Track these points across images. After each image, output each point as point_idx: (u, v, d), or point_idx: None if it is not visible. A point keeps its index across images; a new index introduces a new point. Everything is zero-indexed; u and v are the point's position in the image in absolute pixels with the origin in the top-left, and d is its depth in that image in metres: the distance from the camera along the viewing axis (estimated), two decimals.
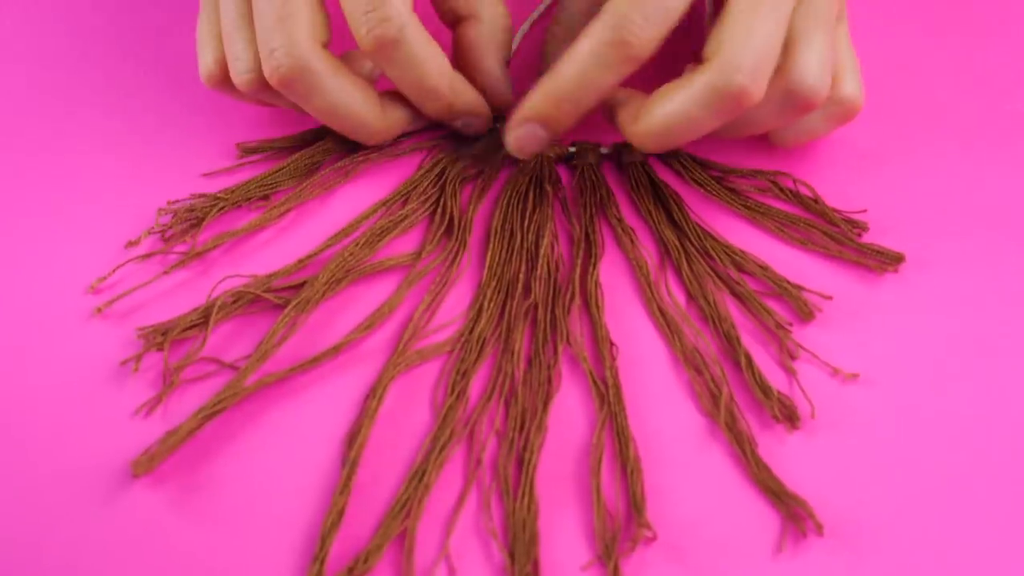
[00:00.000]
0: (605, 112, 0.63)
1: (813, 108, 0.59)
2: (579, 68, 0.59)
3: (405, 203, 0.62)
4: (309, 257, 0.59)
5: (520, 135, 0.62)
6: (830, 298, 0.58)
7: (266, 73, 0.60)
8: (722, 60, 0.57)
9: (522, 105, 0.62)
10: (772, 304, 0.59)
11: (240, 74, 0.61)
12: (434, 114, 0.63)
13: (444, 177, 0.63)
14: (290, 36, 0.59)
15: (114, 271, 0.59)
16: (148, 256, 0.60)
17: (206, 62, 0.62)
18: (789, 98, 0.59)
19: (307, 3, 0.59)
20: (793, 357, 0.57)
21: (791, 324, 0.58)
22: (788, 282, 0.59)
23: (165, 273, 0.59)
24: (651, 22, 0.57)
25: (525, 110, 0.61)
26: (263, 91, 0.62)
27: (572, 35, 0.63)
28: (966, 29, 0.69)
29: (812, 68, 0.58)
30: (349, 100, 0.61)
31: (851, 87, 0.61)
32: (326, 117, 0.62)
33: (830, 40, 0.59)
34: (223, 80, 0.63)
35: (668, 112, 0.59)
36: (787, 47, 0.59)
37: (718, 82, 0.57)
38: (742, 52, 0.57)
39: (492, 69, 0.64)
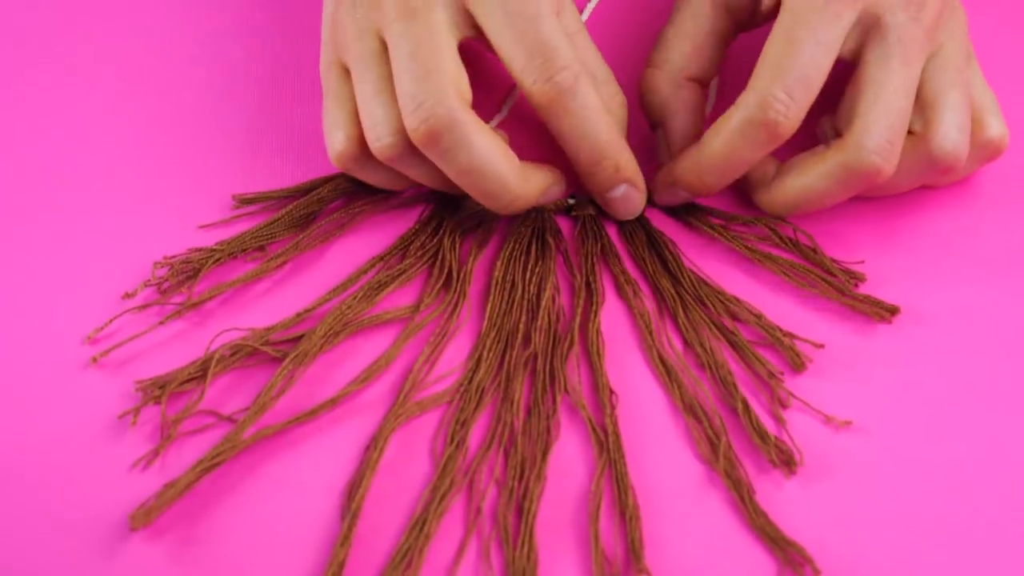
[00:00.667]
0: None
1: (955, 171, 0.61)
2: (727, 145, 0.60)
3: (403, 256, 0.62)
4: (307, 311, 0.59)
5: (665, 196, 0.64)
6: (821, 346, 0.59)
7: (411, 127, 0.58)
8: (856, 140, 0.59)
9: (670, 168, 0.63)
10: (766, 353, 0.59)
11: (381, 139, 0.59)
12: (601, 179, 0.62)
13: (443, 230, 0.63)
14: (438, 88, 0.58)
15: (110, 321, 0.59)
16: (144, 307, 0.60)
17: (338, 139, 0.61)
18: (931, 165, 0.60)
19: (452, 59, 0.59)
20: (784, 406, 0.57)
21: (783, 373, 0.58)
22: (781, 331, 0.59)
23: (161, 324, 0.59)
24: (795, 98, 0.58)
25: (674, 174, 0.62)
26: (404, 157, 0.60)
27: (674, 85, 0.64)
28: None
29: (951, 134, 0.60)
30: (494, 159, 0.59)
31: (995, 128, 0.61)
32: (467, 177, 0.59)
33: (966, 95, 0.60)
34: (357, 156, 0.61)
35: (801, 186, 0.61)
36: (924, 109, 0.60)
37: (853, 162, 0.59)
38: (876, 129, 0.59)
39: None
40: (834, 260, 0.62)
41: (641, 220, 0.64)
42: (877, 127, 0.58)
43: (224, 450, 0.54)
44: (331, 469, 0.55)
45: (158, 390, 0.56)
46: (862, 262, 0.62)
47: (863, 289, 0.61)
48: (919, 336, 0.60)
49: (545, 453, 0.55)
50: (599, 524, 0.53)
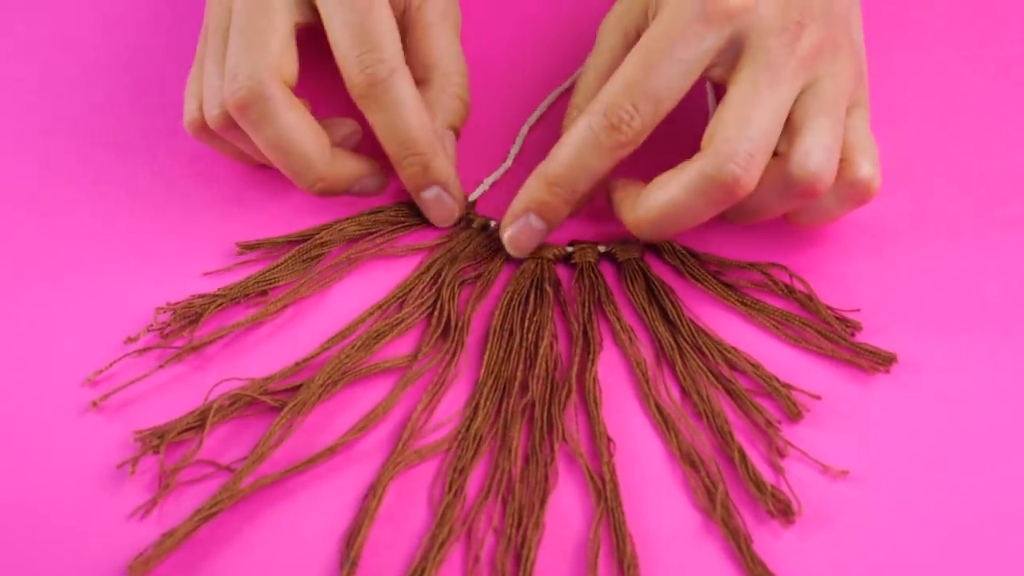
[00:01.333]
0: (607, 201, 0.64)
1: (816, 195, 0.60)
2: (572, 152, 0.60)
3: (401, 306, 0.63)
4: (305, 360, 0.60)
5: (516, 231, 0.63)
6: (819, 398, 0.59)
7: (225, 97, 0.61)
8: (715, 148, 0.58)
9: (516, 198, 0.62)
10: (764, 402, 0.59)
11: (211, 109, 0.62)
12: (408, 175, 0.64)
13: (441, 280, 0.63)
14: (255, 62, 0.60)
15: (111, 365, 0.59)
16: (145, 351, 0.60)
17: (190, 109, 0.64)
18: (791, 185, 0.59)
19: (280, 38, 0.61)
20: (782, 455, 0.57)
21: (780, 422, 0.58)
22: (778, 380, 0.59)
23: (161, 367, 0.59)
24: (641, 111, 0.59)
25: (520, 201, 0.62)
26: (229, 129, 0.63)
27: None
28: (966, 132, 0.70)
29: (814, 155, 0.59)
30: (300, 136, 0.62)
31: (866, 169, 0.61)
32: (274, 151, 0.62)
33: (836, 126, 0.60)
34: (204, 126, 0.64)
35: (663, 200, 0.60)
36: (790, 134, 0.60)
37: (711, 170, 0.58)
38: (736, 140, 0.58)
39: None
40: (830, 308, 0.62)
41: (641, 266, 0.64)
42: (738, 137, 0.58)
43: (222, 499, 0.54)
44: (330, 517, 0.55)
45: (156, 439, 0.56)
46: (858, 310, 0.62)
47: (860, 337, 0.61)
48: (917, 385, 0.59)
49: (543, 501, 0.55)
50: (597, 573, 0.53)
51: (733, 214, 0.63)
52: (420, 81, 0.65)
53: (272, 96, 0.61)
